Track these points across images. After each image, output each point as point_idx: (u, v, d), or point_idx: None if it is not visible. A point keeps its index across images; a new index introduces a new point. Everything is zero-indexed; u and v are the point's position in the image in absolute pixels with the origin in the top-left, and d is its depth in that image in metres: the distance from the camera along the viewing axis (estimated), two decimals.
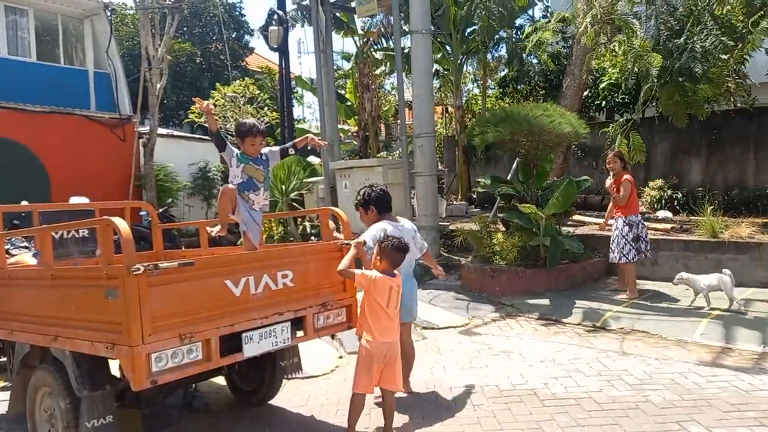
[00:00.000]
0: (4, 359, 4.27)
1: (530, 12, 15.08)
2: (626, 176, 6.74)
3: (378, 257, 3.62)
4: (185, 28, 22.90)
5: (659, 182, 10.75)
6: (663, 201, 10.46)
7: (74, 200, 5.67)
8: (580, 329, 5.95)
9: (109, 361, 3.16)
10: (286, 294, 3.37)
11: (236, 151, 3.93)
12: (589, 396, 4.17)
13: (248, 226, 3.84)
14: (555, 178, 9.58)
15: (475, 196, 14.14)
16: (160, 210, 13.26)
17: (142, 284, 2.70)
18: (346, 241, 3.74)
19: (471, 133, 8.37)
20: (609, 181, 6.94)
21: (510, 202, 8.52)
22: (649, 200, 10.66)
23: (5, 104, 12.28)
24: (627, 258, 6.65)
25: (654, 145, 11.37)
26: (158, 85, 13.72)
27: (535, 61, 14.19)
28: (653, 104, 10.20)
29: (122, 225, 2.77)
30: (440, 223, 9.59)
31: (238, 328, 3.12)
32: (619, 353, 5.11)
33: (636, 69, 8.29)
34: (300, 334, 3.51)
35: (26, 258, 4.83)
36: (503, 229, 8.22)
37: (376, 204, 4.26)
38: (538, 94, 14.41)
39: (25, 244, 5.30)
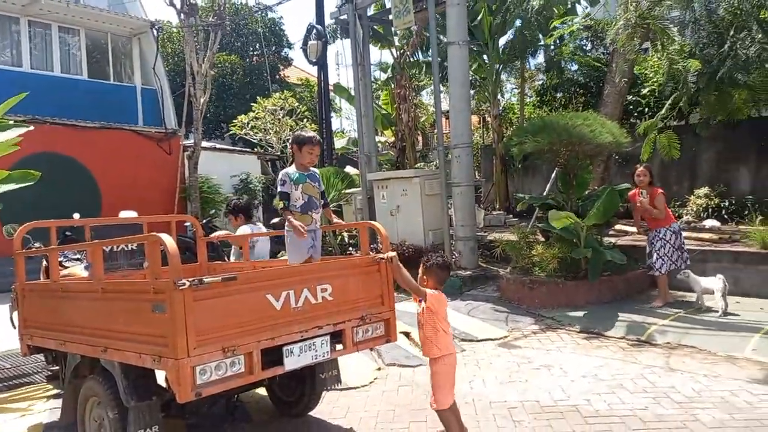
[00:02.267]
0: (57, 368, 4.45)
1: (569, 20, 14.88)
2: (660, 191, 6.83)
3: (424, 276, 3.65)
4: (227, 42, 23.57)
5: (705, 190, 10.39)
6: (710, 209, 10.10)
7: (123, 214, 5.89)
8: (623, 343, 5.80)
9: (156, 371, 3.26)
10: (325, 308, 3.42)
11: (291, 173, 3.99)
12: (634, 414, 4.06)
13: (311, 251, 3.98)
14: (596, 188, 9.41)
15: (513, 206, 13.98)
16: (204, 221, 13.63)
17: (188, 299, 2.79)
18: (383, 256, 3.76)
19: (509, 143, 8.31)
20: (644, 198, 6.79)
21: (550, 212, 8.39)
22: (695, 209, 10.31)
23: (59, 120, 12.89)
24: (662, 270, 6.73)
25: (699, 152, 11.02)
26: (202, 100, 14.15)
27: (574, 68, 14.02)
28: (696, 110, 9.90)
29: (169, 241, 2.86)
30: (478, 234, 9.52)
31: (279, 341, 3.18)
32: (665, 369, 4.96)
33: (671, 74, 8.12)
34: (339, 347, 3.55)
35: (78, 270, 5.04)
36: (542, 239, 8.11)
37: (243, 212, 5.68)
38: (577, 102, 14.17)
39: (78, 256, 5.53)
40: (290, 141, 4.30)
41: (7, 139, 4.87)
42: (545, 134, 7.48)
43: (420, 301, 3.63)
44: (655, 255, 6.70)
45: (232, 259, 6.04)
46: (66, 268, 5.31)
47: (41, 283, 4.30)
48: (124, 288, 3.32)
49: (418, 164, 15.66)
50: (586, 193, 8.25)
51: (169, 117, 15.29)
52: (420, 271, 3.69)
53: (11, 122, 5.13)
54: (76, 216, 10.11)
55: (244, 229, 5.73)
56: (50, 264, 4.02)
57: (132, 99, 15.12)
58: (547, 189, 9.91)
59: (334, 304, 3.46)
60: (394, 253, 3.76)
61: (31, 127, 5.02)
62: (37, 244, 5.38)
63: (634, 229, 9.38)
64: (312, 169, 4.11)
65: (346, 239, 11.06)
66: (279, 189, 3.98)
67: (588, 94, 13.96)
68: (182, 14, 13.71)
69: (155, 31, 14.98)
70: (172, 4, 13.49)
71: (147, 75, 15.25)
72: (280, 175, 4.04)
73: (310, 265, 3.71)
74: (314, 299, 3.36)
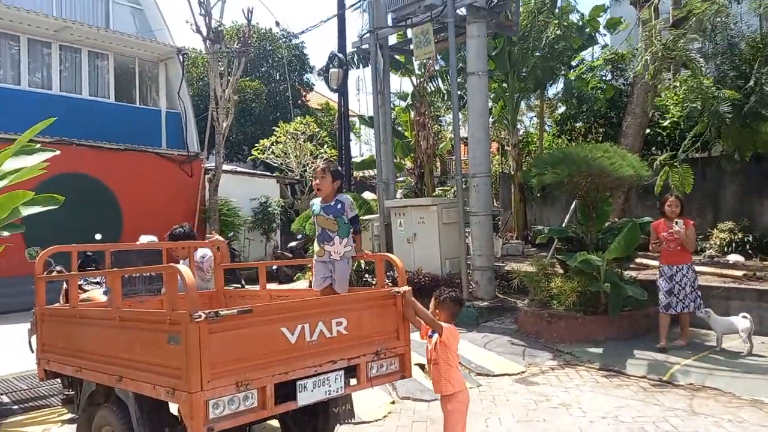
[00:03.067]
0: (73, 392, 4.46)
1: (590, 50, 14.92)
2: (692, 222, 6.59)
3: (436, 310, 3.61)
4: (252, 67, 24.04)
5: (729, 224, 10.20)
6: (734, 244, 9.90)
7: (143, 239, 5.95)
8: (644, 383, 5.64)
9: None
10: (340, 342, 3.38)
11: (312, 203, 4.21)
12: None
13: (328, 280, 4.07)
14: (616, 219, 9.29)
15: (531, 235, 13.86)
16: None
17: (203, 331, 2.78)
18: (400, 289, 3.73)
19: (528, 174, 8.29)
20: (680, 228, 6.37)
21: (569, 244, 8.30)
22: (718, 243, 10.11)
23: (85, 142, 13.19)
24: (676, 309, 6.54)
25: (723, 186, 10.85)
26: (224, 124, 14.41)
27: (594, 98, 13.99)
28: (719, 142, 9.78)
29: (186, 273, 2.88)
30: (495, 264, 9.44)
31: (293, 375, 3.14)
32: (688, 412, 4.80)
33: (700, 107, 8.02)
34: (353, 382, 3.50)
35: (97, 294, 5.09)
36: (561, 271, 8.00)
37: (186, 238, 5.14)
38: (597, 132, 14.12)
39: (97, 279, 5.59)
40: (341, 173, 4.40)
41: (34, 164, 4.97)
42: (565, 166, 7.44)
43: (430, 337, 3.58)
44: (683, 292, 6.47)
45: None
46: (85, 291, 5.37)
47: (60, 309, 4.33)
48: (142, 317, 3.33)
49: (437, 191, 15.67)
50: (606, 225, 8.15)
51: (192, 140, 15.56)
52: (432, 305, 3.65)
53: (38, 146, 5.24)
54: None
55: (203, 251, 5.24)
56: (70, 289, 4.06)
57: (157, 122, 15.43)
58: (566, 220, 9.82)
59: (349, 338, 3.43)
60: (408, 288, 3.73)
61: (58, 152, 5.11)
62: (58, 268, 5.47)
63: (656, 262, 9.22)
64: (339, 198, 4.10)
65: (363, 265, 11.04)
66: None
67: (608, 124, 13.91)
68: (208, 41, 14.05)
69: (181, 57, 15.34)
70: (198, 32, 13.84)
71: (172, 99, 15.58)
72: None
73: (326, 298, 3.69)
74: (329, 333, 3.33)
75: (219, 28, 14.27)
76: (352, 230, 4.13)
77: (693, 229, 6.57)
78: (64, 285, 5.32)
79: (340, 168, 4.39)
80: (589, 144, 9.85)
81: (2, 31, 12.91)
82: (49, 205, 4.84)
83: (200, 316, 2.79)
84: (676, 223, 6.43)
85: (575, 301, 7.02)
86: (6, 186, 4.68)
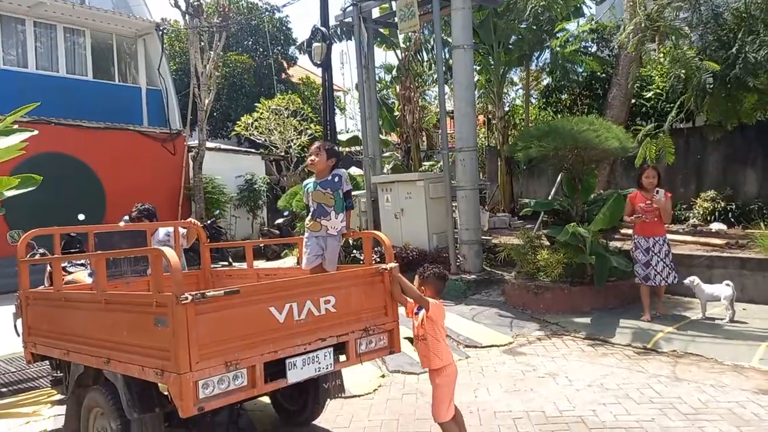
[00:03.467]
0: (62, 374, 4.45)
1: (575, 21, 14.79)
2: (669, 194, 6.42)
3: (421, 287, 3.61)
4: (237, 41, 23.55)
5: (712, 193, 10.32)
6: (717, 213, 10.04)
7: (127, 219, 5.87)
8: (629, 351, 5.76)
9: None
10: (328, 319, 3.39)
11: (307, 181, 4.24)
12: (640, 426, 4.03)
13: (319, 259, 4.13)
14: (601, 191, 9.35)
15: (518, 208, 13.93)
16: (208, 221, 13.68)
17: (190, 313, 2.77)
18: (386, 266, 3.73)
19: (514, 148, 8.27)
20: (661, 197, 6.28)
21: (555, 216, 8.36)
22: (701, 212, 10.25)
23: (64, 121, 12.92)
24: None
25: (706, 155, 10.94)
26: (206, 101, 14.18)
27: (579, 70, 13.93)
28: (703, 112, 9.83)
29: (171, 256, 2.85)
30: (483, 237, 9.48)
31: (282, 354, 3.16)
32: (671, 378, 4.92)
33: (683, 76, 8.01)
34: (342, 359, 3.53)
35: (82, 276, 5.04)
36: (548, 243, 8.07)
37: (148, 218, 5.11)
38: (582, 104, 14.10)
39: (81, 261, 5.53)
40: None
41: (11, 144, 4.85)
42: (550, 139, 7.44)
43: (416, 314, 3.60)
44: (661, 264, 6.50)
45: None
46: (70, 273, 5.31)
47: (44, 292, 4.29)
48: (128, 300, 3.30)
49: (424, 165, 15.63)
50: (592, 197, 8.20)
51: (173, 117, 15.32)
52: (416, 282, 3.65)
53: (15, 126, 5.11)
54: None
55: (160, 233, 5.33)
56: (53, 272, 4.01)
57: (137, 99, 15.15)
58: (552, 193, 9.87)
59: (337, 315, 3.44)
60: (395, 264, 3.73)
61: (36, 132, 4.97)
62: (41, 250, 5.39)
63: None
64: (336, 171, 4.14)
65: (351, 243, 11.05)
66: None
67: (593, 96, 13.89)
68: (187, 15, 13.71)
69: (160, 32, 14.99)
70: (177, 6, 13.49)
71: (152, 75, 15.27)
72: None
73: (313, 277, 3.69)
74: (317, 311, 3.34)
75: (198, 2, 13.90)
76: (345, 205, 4.14)
77: (669, 201, 6.45)
78: (48, 267, 5.26)
79: (334, 146, 4.34)
80: (575, 117, 9.83)
81: None
82: (27, 186, 4.72)
83: (186, 298, 2.77)
84: (657, 191, 6.35)
85: (561, 273, 7.10)
86: None
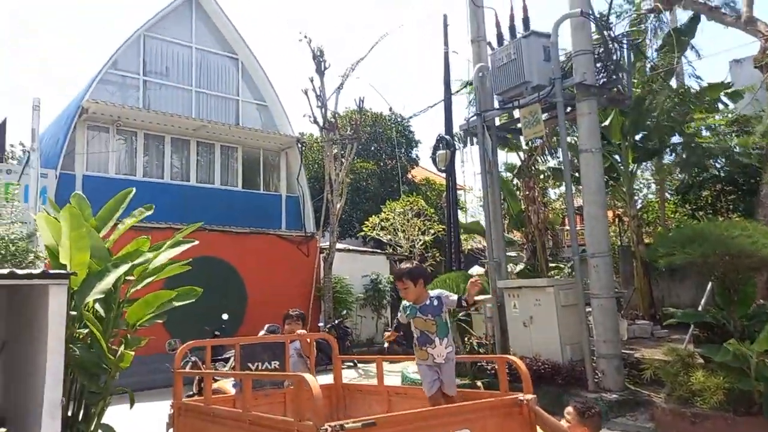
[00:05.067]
0: None
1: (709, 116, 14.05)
2: None
3: (582, 425, 3.39)
4: (363, 148, 25.31)
5: None
6: None
7: (267, 328, 6.25)
8: None
9: None
10: None
11: (405, 303, 4.03)
12: None
13: (437, 383, 3.91)
14: (761, 301, 8.32)
15: (660, 315, 12.76)
16: (336, 321, 14.16)
17: None
18: (525, 397, 3.56)
19: (654, 254, 7.75)
20: None
21: (707, 331, 7.53)
22: None
23: (215, 227, 14.44)
24: None
25: None
26: (338, 205, 15.16)
27: (719, 165, 13.02)
28: None
29: (313, 384, 2.97)
30: (623, 350, 8.74)
31: None
32: None
33: None
34: None
35: (228, 386, 5.38)
36: (701, 361, 7.21)
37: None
38: (726, 201, 13.01)
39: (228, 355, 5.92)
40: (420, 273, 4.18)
41: (178, 253, 5.49)
42: (696, 245, 6.89)
43: None
44: None
45: None
46: (215, 381, 5.70)
47: (195, 405, 4.61)
48: (271, 424, 3.45)
49: (551, 268, 15.09)
50: (751, 309, 7.32)
51: (308, 221, 16.52)
52: (572, 418, 3.42)
53: (180, 238, 5.80)
54: (225, 316, 11.00)
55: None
56: (204, 387, 4.33)
57: (277, 206, 16.64)
58: (702, 303, 8.94)
59: None
60: (532, 396, 3.56)
61: (197, 242, 5.63)
62: (193, 359, 5.88)
63: None
64: (432, 294, 3.97)
65: (476, 346, 10.75)
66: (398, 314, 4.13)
67: (739, 191, 12.80)
68: (324, 130, 15.11)
69: (300, 146, 16.60)
70: (315, 122, 14.96)
71: (291, 183, 16.80)
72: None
73: (449, 408, 3.60)
74: None
75: (333, 119, 15.32)
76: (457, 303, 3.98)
77: None
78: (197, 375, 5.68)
79: (414, 267, 4.09)
80: (722, 219, 9.07)
81: (152, 133, 14.83)
82: (188, 299, 5.28)
83: (326, 430, 2.84)
84: None
85: (722, 400, 6.25)
86: (155, 280, 5.23)
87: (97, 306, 4.79)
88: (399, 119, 24.99)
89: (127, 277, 4.90)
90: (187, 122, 14.86)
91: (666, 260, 7.33)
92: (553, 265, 16.09)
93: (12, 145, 23.90)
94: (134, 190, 5.43)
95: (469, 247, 20.20)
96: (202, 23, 16.14)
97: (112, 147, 14.12)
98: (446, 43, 14.64)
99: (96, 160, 14.01)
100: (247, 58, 16.65)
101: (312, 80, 14.96)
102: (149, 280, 5.07)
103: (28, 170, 11.72)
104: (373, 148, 26.42)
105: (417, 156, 27.56)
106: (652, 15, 11.82)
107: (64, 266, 4.48)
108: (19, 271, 3.96)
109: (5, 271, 3.90)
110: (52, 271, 4.11)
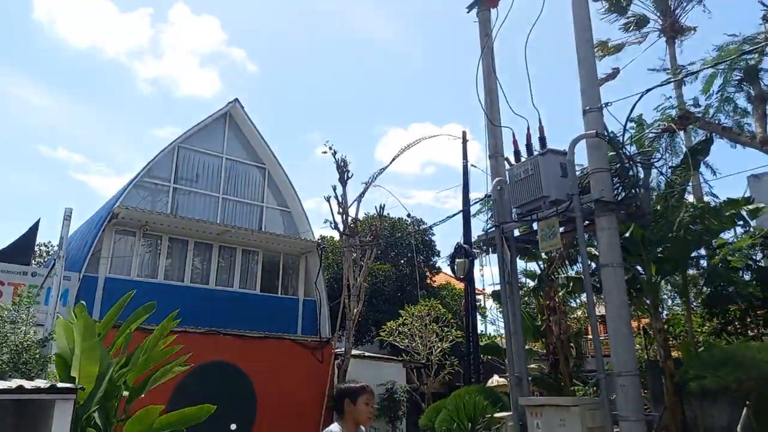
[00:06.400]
0: None
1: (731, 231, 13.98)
2: None
3: None
4: (383, 252, 25.47)
5: None
6: None
7: None
8: None
9: None
10: None
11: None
12: None
13: None
14: None
15: None
16: None
17: None
18: None
19: (685, 375, 7.41)
20: None
21: None
22: None
23: (230, 332, 14.31)
24: None
25: None
26: (355, 310, 15.00)
27: (746, 278, 12.72)
28: None
29: None
30: None
31: None
32: None
33: None
34: None
35: None
36: None
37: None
38: (756, 316, 12.57)
39: None
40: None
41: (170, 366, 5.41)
42: (729, 369, 6.65)
43: None
44: None
45: None
46: None
47: None
48: None
49: (575, 383, 14.45)
50: None
51: (324, 326, 16.29)
52: None
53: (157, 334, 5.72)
54: (233, 427, 10.57)
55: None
56: None
57: (294, 309, 16.53)
58: (739, 429, 8.36)
59: None
60: None
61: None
62: None
63: None
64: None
65: None
66: None
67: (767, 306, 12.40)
68: (344, 236, 15.33)
69: (319, 250, 16.79)
70: (336, 228, 15.23)
71: (308, 287, 16.78)
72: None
73: None
74: None
75: (353, 225, 15.60)
76: None
77: None
78: None
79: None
80: (755, 341, 8.74)
81: (177, 237, 15.19)
82: (199, 419, 5.13)
83: None
84: None
85: None
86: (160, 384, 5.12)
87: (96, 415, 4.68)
88: (420, 231, 25.34)
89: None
90: (211, 227, 15.24)
91: (697, 383, 7.02)
92: (577, 381, 15.39)
93: (38, 245, 24.62)
94: (134, 292, 5.67)
95: (489, 357, 19.56)
96: (233, 135, 17.10)
97: (137, 251, 14.45)
98: (465, 157, 15.21)
99: (120, 263, 14.30)
100: (273, 166, 17.38)
101: (335, 188, 15.47)
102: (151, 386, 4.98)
103: (52, 274, 11.96)
104: (393, 254, 26.57)
105: (436, 263, 27.58)
106: (666, 134, 12.18)
107: (73, 379, 4.42)
108: (27, 385, 3.92)
109: (14, 384, 3.86)
110: (60, 385, 4.06)
